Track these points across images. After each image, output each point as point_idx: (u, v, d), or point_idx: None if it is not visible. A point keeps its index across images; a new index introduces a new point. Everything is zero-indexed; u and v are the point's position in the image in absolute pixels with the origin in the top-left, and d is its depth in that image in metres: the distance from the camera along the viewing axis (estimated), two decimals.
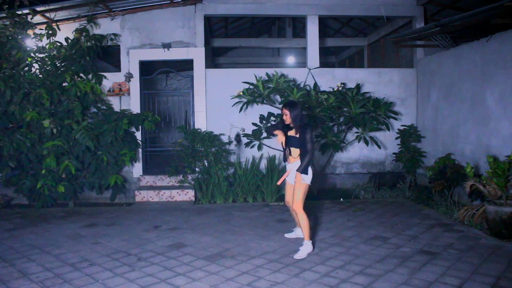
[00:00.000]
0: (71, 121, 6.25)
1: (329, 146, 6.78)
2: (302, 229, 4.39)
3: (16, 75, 6.22)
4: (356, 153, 8.00)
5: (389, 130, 7.14)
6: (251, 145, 7.18)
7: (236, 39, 12.46)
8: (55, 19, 6.88)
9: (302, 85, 7.65)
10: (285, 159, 4.59)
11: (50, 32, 6.64)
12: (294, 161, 4.45)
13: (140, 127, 7.16)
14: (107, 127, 6.42)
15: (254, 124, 7.24)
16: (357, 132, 6.99)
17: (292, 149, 4.44)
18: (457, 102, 6.65)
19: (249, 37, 13.16)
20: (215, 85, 7.74)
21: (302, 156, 4.36)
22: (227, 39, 12.50)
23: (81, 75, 6.63)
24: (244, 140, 7.44)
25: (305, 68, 7.96)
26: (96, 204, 7.16)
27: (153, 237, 5.07)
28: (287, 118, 4.39)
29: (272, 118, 7.16)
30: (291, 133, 4.44)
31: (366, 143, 6.84)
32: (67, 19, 7.42)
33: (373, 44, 11.36)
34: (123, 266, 4.08)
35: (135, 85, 7.63)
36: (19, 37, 6.49)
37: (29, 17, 6.65)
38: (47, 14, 6.89)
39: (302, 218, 4.34)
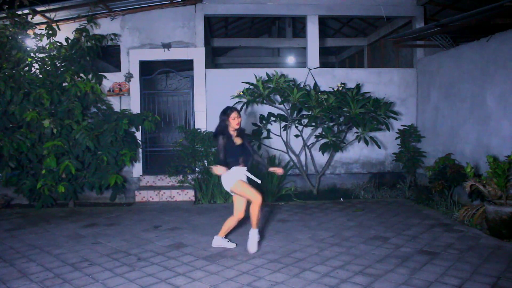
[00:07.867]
0: (71, 121, 6.25)
1: (329, 146, 6.78)
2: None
3: (16, 75, 6.22)
4: (356, 153, 8.00)
5: (389, 130, 7.14)
6: (251, 145, 7.17)
7: (236, 39, 12.46)
8: (55, 19, 6.88)
9: (302, 85, 7.64)
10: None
11: (50, 32, 6.65)
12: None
13: (140, 127, 7.16)
14: (107, 127, 6.42)
15: (254, 124, 7.24)
16: (357, 132, 6.99)
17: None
18: (457, 102, 6.65)
19: (249, 37, 13.16)
20: (215, 85, 7.73)
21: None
22: (227, 39, 12.49)
23: (81, 75, 6.63)
24: None
25: (305, 68, 7.96)
26: (96, 204, 7.16)
27: (153, 237, 5.07)
28: (238, 123, 4.43)
29: (272, 118, 7.15)
30: (239, 141, 4.46)
31: (366, 143, 6.84)
32: (67, 19, 7.43)
33: (373, 44, 11.35)
34: (123, 266, 4.07)
35: (135, 85, 7.63)
36: (19, 37, 6.51)
37: (29, 17, 6.66)
38: (47, 14, 6.90)
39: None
